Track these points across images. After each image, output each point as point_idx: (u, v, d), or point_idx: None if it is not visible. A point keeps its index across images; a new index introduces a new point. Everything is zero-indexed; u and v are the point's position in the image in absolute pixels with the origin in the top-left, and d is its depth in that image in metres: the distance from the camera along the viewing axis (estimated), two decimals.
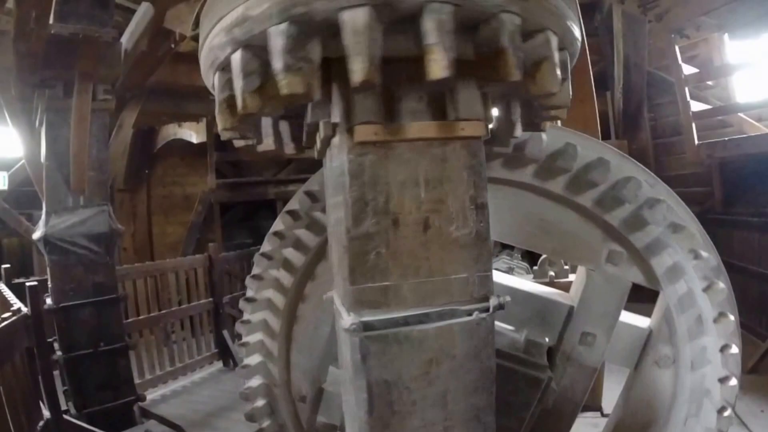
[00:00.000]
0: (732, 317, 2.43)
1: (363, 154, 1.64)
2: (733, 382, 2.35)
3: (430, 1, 1.34)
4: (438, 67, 1.36)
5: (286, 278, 3.31)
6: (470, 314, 1.73)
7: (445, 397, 1.77)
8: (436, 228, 1.71)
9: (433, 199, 1.71)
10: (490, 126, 2.02)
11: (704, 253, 2.46)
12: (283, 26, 1.35)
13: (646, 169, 2.67)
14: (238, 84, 1.48)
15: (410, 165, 1.69)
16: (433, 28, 1.35)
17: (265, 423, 3.40)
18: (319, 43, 1.42)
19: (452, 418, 1.79)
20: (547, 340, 2.89)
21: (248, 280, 3.37)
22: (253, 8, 1.39)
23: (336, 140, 1.77)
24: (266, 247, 3.26)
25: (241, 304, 3.43)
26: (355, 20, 1.31)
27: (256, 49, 1.45)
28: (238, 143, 2.05)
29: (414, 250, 1.70)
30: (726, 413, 2.35)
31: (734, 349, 2.38)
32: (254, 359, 3.40)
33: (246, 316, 3.40)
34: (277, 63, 1.39)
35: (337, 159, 1.74)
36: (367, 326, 1.67)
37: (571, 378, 2.91)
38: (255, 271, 3.34)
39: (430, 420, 1.77)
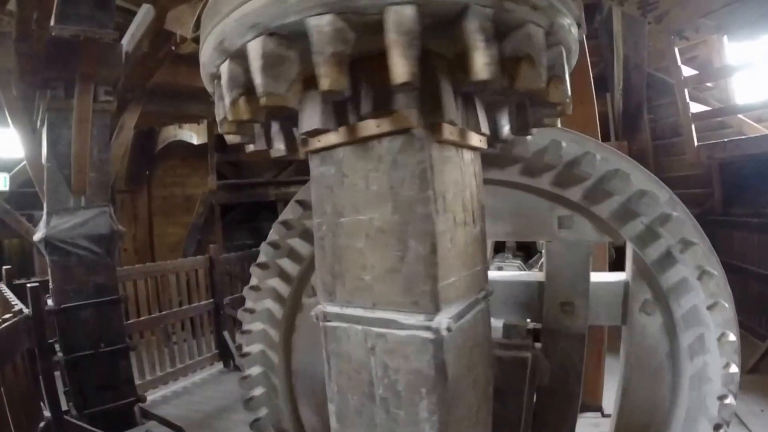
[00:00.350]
0: (727, 305, 2.43)
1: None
2: (734, 369, 2.35)
3: (473, 3, 1.34)
4: (487, 68, 1.35)
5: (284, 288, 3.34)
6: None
7: (386, 404, 1.78)
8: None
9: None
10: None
11: (675, 213, 2.50)
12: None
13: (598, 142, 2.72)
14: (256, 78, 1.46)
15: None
16: (476, 30, 1.34)
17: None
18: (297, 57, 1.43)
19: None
20: (528, 321, 2.92)
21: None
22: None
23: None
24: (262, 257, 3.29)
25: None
26: (400, 18, 1.29)
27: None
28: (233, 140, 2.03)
29: None
30: (727, 400, 2.35)
31: (731, 337, 2.38)
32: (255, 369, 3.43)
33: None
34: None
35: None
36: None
37: (563, 350, 2.92)
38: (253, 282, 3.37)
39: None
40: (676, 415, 2.64)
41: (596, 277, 2.94)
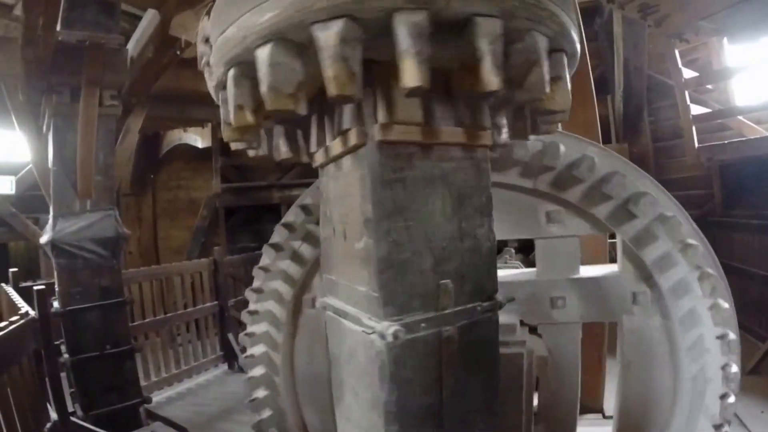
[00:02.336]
0: (726, 305, 2.45)
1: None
2: (734, 368, 2.36)
3: (476, 14, 1.34)
4: (494, 78, 1.37)
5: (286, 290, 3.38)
6: (364, 327, 1.69)
7: (356, 395, 1.85)
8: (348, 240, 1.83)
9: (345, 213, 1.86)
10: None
11: (669, 213, 2.52)
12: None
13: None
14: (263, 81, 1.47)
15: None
16: (487, 40, 1.35)
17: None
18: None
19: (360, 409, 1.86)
20: (519, 320, 2.92)
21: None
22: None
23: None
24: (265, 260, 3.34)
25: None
26: (410, 23, 1.29)
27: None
28: (237, 147, 2.06)
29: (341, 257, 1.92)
30: (729, 400, 2.37)
31: (731, 336, 2.40)
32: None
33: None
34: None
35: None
36: (325, 306, 2.03)
37: (558, 340, 2.93)
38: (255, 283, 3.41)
39: (352, 405, 1.91)
40: (676, 415, 2.67)
41: (587, 270, 2.96)
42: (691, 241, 2.49)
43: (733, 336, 2.39)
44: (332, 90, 1.33)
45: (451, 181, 1.73)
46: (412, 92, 1.35)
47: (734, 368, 2.36)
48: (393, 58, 1.34)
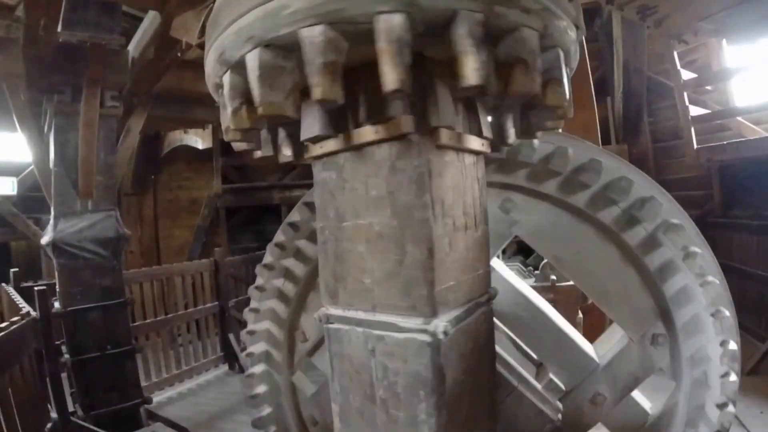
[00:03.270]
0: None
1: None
2: (733, 377, 2.36)
3: (462, 8, 1.34)
4: (477, 73, 1.36)
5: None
6: None
7: (386, 405, 1.82)
8: None
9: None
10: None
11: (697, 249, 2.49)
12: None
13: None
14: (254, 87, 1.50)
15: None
16: (466, 35, 1.35)
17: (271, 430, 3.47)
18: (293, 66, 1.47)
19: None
20: (563, 386, 2.86)
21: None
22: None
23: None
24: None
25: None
26: (390, 26, 1.31)
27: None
28: (240, 147, 2.05)
29: None
30: (728, 408, 2.36)
31: (732, 345, 2.39)
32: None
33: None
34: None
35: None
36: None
37: (570, 422, 2.92)
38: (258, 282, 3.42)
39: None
40: (675, 422, 2.67)
41: (641, 398, 2.90)
42: (694, 246, 2.48)
43: (734, 345, 2.38)
44: (317, 94, 1.36)
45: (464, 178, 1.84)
46: (393, 95, 1.37)
47: (734, 378, 2.36)
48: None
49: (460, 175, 1.84)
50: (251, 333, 3.43)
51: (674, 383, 2.68)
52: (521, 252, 6.92)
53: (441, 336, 1.60)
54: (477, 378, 1.90)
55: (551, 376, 2.85)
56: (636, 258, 2.63)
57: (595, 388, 2.82)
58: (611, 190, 2.57)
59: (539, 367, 2.96)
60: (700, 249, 2.48)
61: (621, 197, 2.56)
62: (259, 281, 3.39)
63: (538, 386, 2.74)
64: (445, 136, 1.68)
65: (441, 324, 1.61)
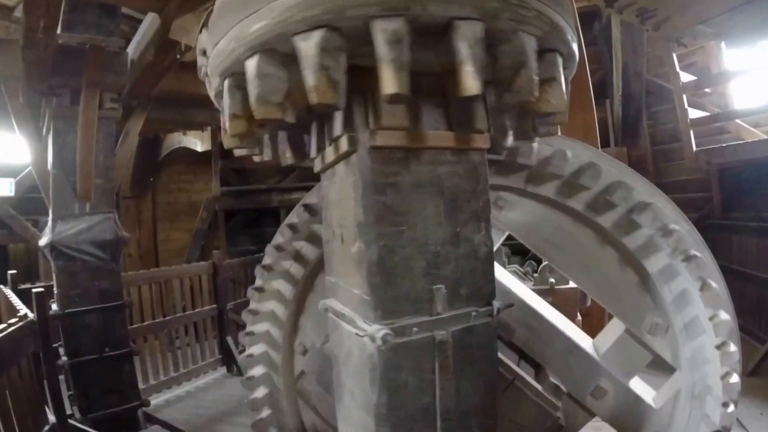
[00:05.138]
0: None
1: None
2: (734, 378, 2.35)
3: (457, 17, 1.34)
4: (474, 82, 1.36)
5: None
6: (358, 330, 1.70)
7: (352, 397, 1.87)
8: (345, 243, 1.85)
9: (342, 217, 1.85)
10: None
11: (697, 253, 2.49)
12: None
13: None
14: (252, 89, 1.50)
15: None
16: (466, 44, 1.35)
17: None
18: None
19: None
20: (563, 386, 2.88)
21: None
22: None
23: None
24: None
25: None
26: (387, 30, 1.31)
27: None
28: (240, 153, 2.10)
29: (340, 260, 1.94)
30: (729, 409, 2.36)
31: (732, 347, 2.39)
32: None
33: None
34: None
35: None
36: (326, 308, 2.07)
37: (569, 415, 2.92)
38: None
39: (351, 407, 1.91)
40: (675, 423, 2.67)
41: (637, 385, 2.87)
42: (694, 251, 2.48)
43: (734, 347, 2.38)
44: (313, 98, 1.36)
45: (444, 186, 1.72)
46: (392, 99, 1.36)
47: (734, 379, 2.35)
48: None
49: None
50: (250, 334, 3.43)
51: (675, 372, 2.67)
52: (517, 254, 6.91)
53: (378, 342, 1.60)
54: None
55: (552, 379, 2.86)
56: (634, 260, 2.63)
57: (595, 381, 2.83)
58: (610, 194, 2.57)
59: (538, 369, 2.96)
60: (700, 253, 2.48)
61: (620, 200, 2.56)
62: (258, 282, 3.39)
63: (537, 385, 2.76)
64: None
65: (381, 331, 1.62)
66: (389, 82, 1.32)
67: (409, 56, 1.33)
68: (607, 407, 2.83)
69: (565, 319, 3.19)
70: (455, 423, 1.77)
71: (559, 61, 1.62)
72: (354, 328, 1.72)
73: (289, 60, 1.43)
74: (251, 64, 1.44)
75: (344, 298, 1.88)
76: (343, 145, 1.65)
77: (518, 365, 2.91)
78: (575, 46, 1.73)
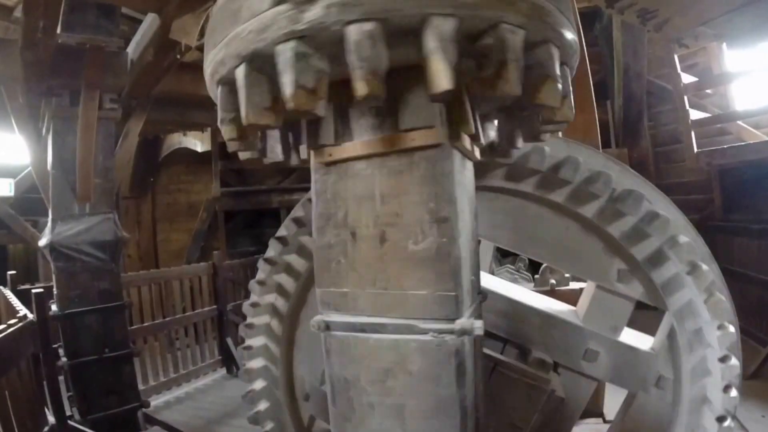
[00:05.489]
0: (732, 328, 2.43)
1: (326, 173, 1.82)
2: (734, 392, 2.35)
3: (432, 14, 1.32)
4: (444, 78, 1.32)
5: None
6: (425, 333, 1.66)
7: (402, 412, 1.75)
8: (392, 242, 1.72)
9: (388, 213, 1.72)
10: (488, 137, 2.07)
11: (704, 266, 2.49)
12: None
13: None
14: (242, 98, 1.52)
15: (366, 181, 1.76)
16: (436, 40, 1.32)
17: (268, 426, 3.45)
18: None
19: None
20: (551, 360, 2.91)
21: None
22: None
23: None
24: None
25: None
26: (358, 33, 1.31)
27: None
28: (244, 156, 2.04)
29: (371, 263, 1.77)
30: (726, 423, 2.36)
31: (734, 360, 2.38)
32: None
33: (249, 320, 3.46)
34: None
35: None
36: (328, 325, 1.84)
37: (573, 388, 2.92)
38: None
39: (388, 428, 1.77)
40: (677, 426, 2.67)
41: (627, 336, 2.92)
42: (701, 262, 2.48)
43: (736, 361, 2.38)
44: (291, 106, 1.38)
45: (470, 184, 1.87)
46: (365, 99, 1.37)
47: (734, 393, 2.36)
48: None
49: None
50: (250, 326, 3.43)
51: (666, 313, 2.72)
52: (534, 263, 6.91)
53: (467, 335, 1.64)
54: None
55: (536, 354, 2.90)
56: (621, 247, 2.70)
57: (583, 345, 2.86)
58: (612, 197, 2.58)
59: (520, 350, 3.00)
60: (706, 266, 2.49)
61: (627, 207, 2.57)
62: (260, 275, 3.39)
63: (520, 365, 2.77)
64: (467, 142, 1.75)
65: (466, 323, 1.64)
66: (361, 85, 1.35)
67: (382, 58, 1.35)
68: (603, 367, 2.86)
69: (539, 296, 3.24)
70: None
71: (555, 52, 1.53)
72: (414, 334, 1.68)
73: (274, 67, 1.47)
74: (240, 72, 1.47)
75: (381, 306, 1.75)
76: (420, 138, 1.64)
77: (502, 353, 2.97)
78: (575, 39, 1.65)
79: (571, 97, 1.70)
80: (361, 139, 1.72)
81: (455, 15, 1.32)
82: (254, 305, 3.40)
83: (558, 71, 1.55)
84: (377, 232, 1.73)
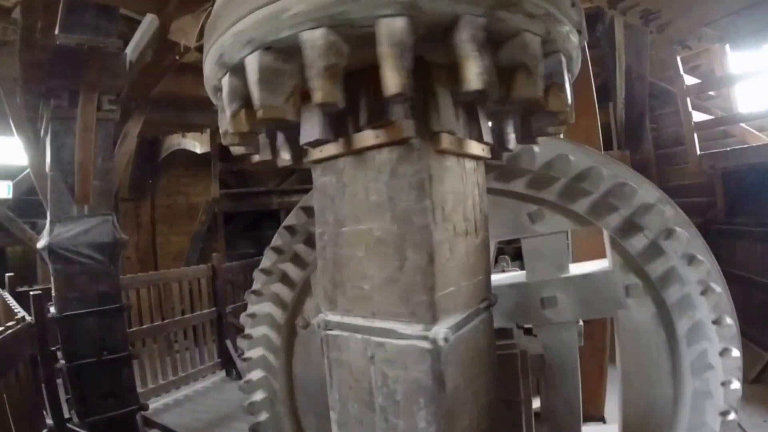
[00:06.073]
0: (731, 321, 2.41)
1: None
2: (736, 385, 2.33)
3: (464, 13, 1.33)
4: (479, 78, 1.34)
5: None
6: (404, 338, 1.68)
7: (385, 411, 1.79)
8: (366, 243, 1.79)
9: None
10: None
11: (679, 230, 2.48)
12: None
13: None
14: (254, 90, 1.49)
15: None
16: (468, 40, 1.34)
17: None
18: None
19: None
20: (515, 325, 2.89)
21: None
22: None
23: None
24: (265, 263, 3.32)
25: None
26: (392, 30, 1.30)
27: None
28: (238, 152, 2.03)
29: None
30: (730, 417, 2.33)
31: (735, 353, 2.36)
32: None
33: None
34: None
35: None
36: (321, 324, 1.91)
37: (555, 340, 2.88)
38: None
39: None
40: (678, 424, 2.64)
41: (578, 268, 2.91)
42: (697, 254, 2.45)
43: (737, 353, 2.35)
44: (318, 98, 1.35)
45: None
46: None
47: (736, 385, 2.33)
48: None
49: (461, 181, 1.84)
50: (248, 337, 3.41)
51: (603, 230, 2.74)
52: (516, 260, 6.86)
53: (441, 343, 1.59)
54: (477, 385, 1.88)
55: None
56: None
57: (537, 297, 2.85)
58: (613, 197, 2.56)
59: None
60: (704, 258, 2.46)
61: (623, 204, 2.55)
62: (256, 285, 3.37)
63: None
64: (446, 141, 1.67)
65: (441, 330, 1.59)
66: (391, 82, 1.33)
67: (412, 57, 1.33)
68: (569, 308, 2.84)
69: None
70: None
71: (564, 62, 1.62)
72: (401, 339, 1.69)
73: (293, 57, 1.43)
74: (253, 60, 1.42)
75: (376, 308, 1.76)
76: (405, 130, 1.61)
77: None
78: (579, 48, 1.73)
79: (572, 101, 1.73)
80: (339, 137, 1.74)
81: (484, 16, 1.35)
82: (251, 316, 3.38)
83: (567, 79, 1.62)
84: (355, 230, 1.77)
